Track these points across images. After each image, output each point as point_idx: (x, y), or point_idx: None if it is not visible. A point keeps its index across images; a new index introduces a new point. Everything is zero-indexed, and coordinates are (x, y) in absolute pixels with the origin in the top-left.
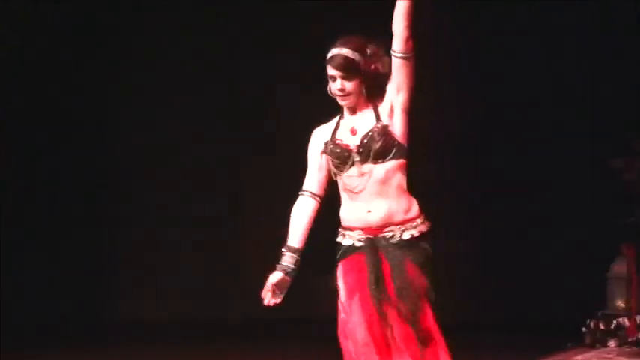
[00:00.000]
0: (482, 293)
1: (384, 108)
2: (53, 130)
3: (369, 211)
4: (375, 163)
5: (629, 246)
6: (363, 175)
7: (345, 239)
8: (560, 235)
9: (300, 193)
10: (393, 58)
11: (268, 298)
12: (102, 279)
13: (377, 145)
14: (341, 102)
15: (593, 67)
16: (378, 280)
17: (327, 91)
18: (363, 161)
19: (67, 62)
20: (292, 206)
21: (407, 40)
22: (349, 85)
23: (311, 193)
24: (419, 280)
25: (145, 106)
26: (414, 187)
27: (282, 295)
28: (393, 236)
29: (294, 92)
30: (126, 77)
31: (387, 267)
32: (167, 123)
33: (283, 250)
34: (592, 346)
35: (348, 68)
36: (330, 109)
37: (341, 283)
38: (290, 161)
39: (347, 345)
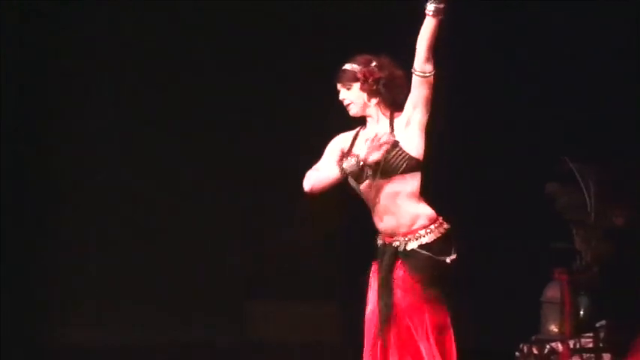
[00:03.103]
0: None
1: (400, 121)
2: None
3: (381, 221)
4: (384, 178)
5: (561, 271)
6: (375, 187)
7: (378, 240)
8: (491, 257)
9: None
10: (413, 75)
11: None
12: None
13: (384, 161)
14: (349, 113)
15: None
16: (384, 290)
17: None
18: (374, 176)
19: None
20: None
21: (426, 60)
22: (348, 94)
23: None
24: (415, 292)
25: None
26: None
27: None
28: (398, 246)
29: None
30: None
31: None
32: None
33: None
34: None
35: (345, 78)
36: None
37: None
38: None
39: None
